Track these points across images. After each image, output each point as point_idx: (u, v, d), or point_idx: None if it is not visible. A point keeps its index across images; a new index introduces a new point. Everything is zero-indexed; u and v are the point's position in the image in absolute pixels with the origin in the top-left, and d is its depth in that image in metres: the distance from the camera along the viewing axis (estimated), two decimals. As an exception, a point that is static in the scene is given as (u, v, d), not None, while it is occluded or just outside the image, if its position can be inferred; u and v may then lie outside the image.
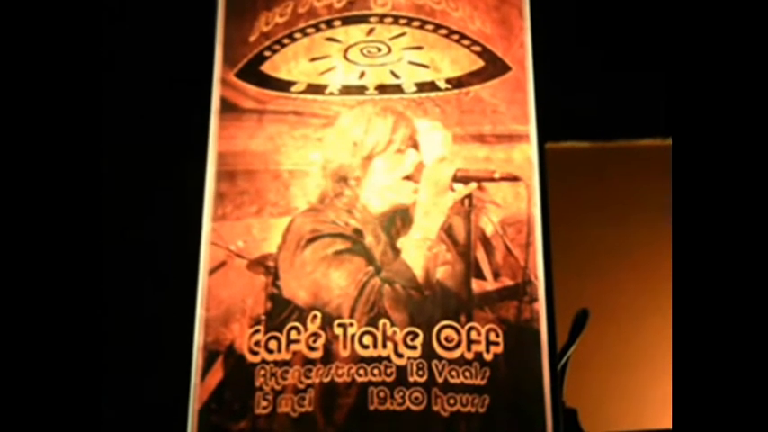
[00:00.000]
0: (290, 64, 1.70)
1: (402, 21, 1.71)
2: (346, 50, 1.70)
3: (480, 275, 1.58)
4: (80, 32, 1.46)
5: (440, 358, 1.53)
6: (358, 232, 1.59)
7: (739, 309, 1.27)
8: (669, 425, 1.39)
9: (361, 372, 1.53)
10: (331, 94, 1.68)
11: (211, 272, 1.59)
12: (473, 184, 1.61)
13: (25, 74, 1.40)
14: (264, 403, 1.52)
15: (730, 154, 1.33)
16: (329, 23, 1.71)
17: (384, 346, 1.54)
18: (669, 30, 1.42)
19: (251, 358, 1.55)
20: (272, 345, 1.55)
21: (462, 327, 1.55)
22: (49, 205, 1.38)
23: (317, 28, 1.71)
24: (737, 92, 1.35)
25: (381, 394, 1.52)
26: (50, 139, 1.40)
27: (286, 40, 1.71)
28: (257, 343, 1.55)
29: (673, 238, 1.34)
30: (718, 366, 1.27)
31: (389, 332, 1.54)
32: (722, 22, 1.38)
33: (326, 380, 1.53)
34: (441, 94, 1.67)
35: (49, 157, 1.39)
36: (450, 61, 1.69)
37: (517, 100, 1.67)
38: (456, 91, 1.68)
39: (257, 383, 1.53)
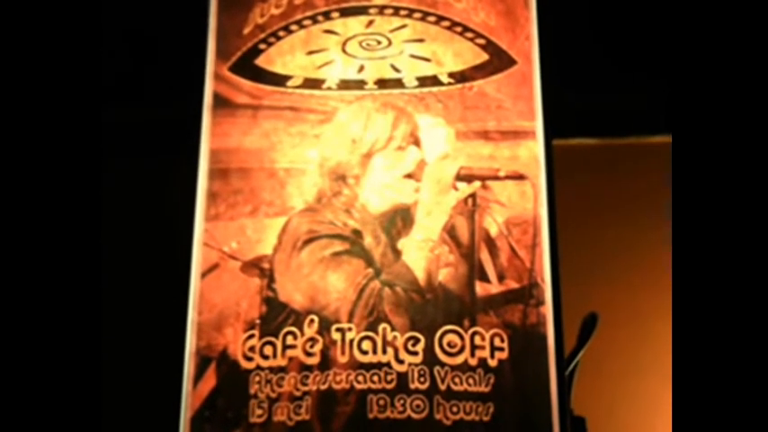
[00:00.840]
0: (286, 57, 1.68)
1: (403, 12, 1.69)
2: (345, 43, 1.68)
3: (484, 278, 1.57)
4: (70, 24, 1.43)
5: (442, 364, 1.51)
6: (357, 233, 1.57)
7: (741, 309, 1.27)
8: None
9: (360, 378, 1.51)
10: (329, 88, 1.66)
11: (204, 274, 1.57)
12: (477, 183, 1.59)
13: (11, 73, 1.38)
14: (259, 411, 1.50)
15: (731, 151, 1.32)
16: (327, 15, 1.70)
17: (384, 351, 1.52)
18: (683, 19, 1.38)
19: (245, 364, 1.53)
20: (268, 350, 1.53)
21: (466, 331, 1.53)
22: (32, 206, 1.36)
23: (314, 20, 1.70)
24: (740, 90, 1.34)
25: (381, 402, 1.50)
26: (33, 139, 1.38)
27: (282, 33, 1.69)
28: (252, 348, 1.53)
29: (673, 236, 1.33)
30: (719, 371, 1.26)
31: (390, 337, 1.52)
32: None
33: (324, 387, 1.50)
34: (443, 88, 1.66)
35: (30, 160, 1.37)
36: (453, 54, 1.67)
37: (523, 95, 1.65)
38: (459, 85, 1.66)
39: (252, 391, 1.51)
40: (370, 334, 1.52)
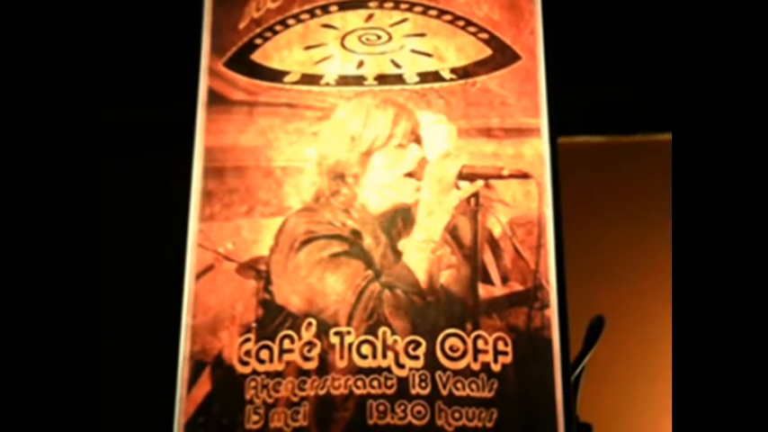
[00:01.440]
0: (283, 52, 1.67)
1: (403, 6, 1.68)
2: (343, 38, 1.67)
3: (487, 280, 1.55)
4: (62, 20, 1.42)
5: (444, 369, 1.50)
6: (356, 233, 1.56)
7: (742, 308, 1.26)
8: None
9: (360, 384, 1.49)
10: (327, 84, 1.65)
11: (198, 276, 1.56)
12: (480, 182, 1.58)
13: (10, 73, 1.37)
14: (255, 417, 1.49)
15: (732, 150, 1.31)
16: (325, 9, 1.69)
17: (384, 356, 1.50)
18: (691, 16, 1.37)
19: (241, 369, 1.51)
20: (264, 354, 1.51)
21: (468, 335, 1.52)
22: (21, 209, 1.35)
23: (311, 14, 1.69)
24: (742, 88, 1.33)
25: (381, 408, 1.48)
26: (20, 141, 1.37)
27: (279, 27, 1.68)
28: (248, 352, 1.52)
29: (673, 237, 1.32)
30: (720, 373, 1.25)
31: (390, 341, 1.51)
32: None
33: (322, 392, 1.49)
34: (445, 84, 1.64)
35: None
36: (456, 49, 1.66)
37: (527, 91, 1.64)
38: (461, 81, 1.64)
39: (248, 396, 1.50)
40: (370, 338, 1.51)
